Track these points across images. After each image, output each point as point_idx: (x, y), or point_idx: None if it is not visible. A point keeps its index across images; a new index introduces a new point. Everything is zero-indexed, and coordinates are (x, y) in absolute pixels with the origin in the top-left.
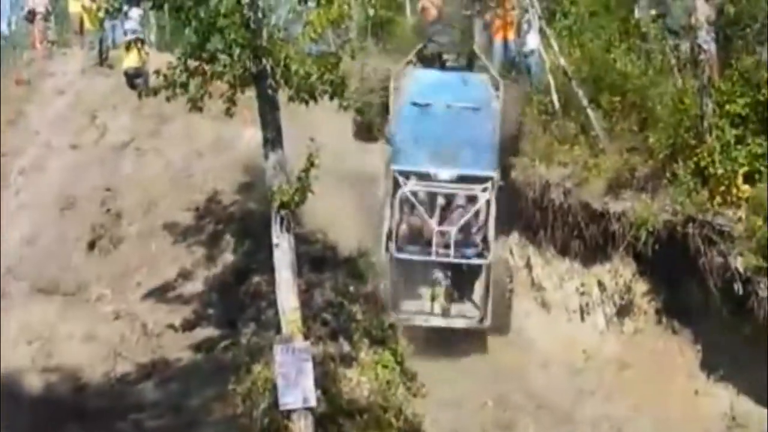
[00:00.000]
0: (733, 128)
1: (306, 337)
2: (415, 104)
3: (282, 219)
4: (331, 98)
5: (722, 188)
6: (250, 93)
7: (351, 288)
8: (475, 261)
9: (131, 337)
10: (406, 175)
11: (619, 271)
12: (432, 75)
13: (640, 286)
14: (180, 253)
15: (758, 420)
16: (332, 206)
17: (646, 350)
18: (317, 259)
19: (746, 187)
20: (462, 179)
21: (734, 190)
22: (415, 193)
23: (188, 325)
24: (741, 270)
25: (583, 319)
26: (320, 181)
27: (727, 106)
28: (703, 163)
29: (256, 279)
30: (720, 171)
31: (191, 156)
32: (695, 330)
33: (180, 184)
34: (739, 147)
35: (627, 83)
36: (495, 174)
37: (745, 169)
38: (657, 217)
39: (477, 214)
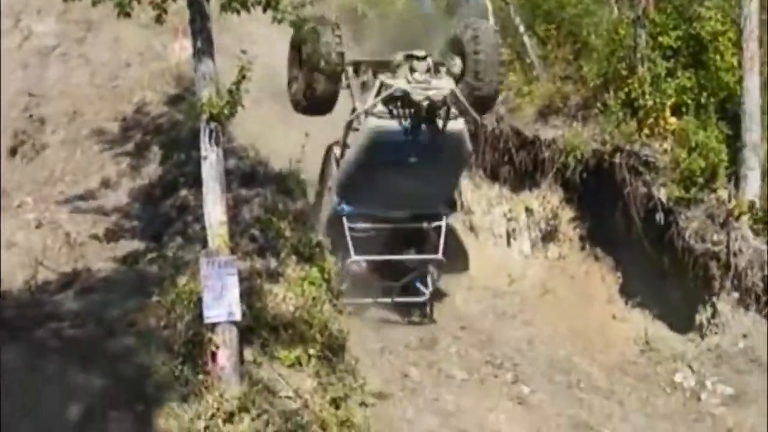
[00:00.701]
0: (664, 61)
1: (233, 252)
2: (369, 166)
3: (211, 131)
4: (264, 10)
5: (650, 120)
6: (182, 1)
7: (280, 205)
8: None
9: (53, 246)
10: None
11: (546, 198)
12: (394, 134)
13: (566, 213)
14: (105, 163)
15: (670, 345)
16: (264, 122)
17: (568, 276)
18: (247, 175)
19: (674, 119)
20: (414, 218)
21: (662, 122)
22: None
23: (112, 236)
24: (663, 200)
25: (509, 244)
26: (252, 95)
27: (660, 39)
28: (633, 95)
29: (183, 192)
30: (649, 103)
31: (119, 65)
32: (617, 257)
33: (107, 93)
34: (669, 80)
35: (563, 11)
36: (449, 210)
37: (674, 101)
38: (586, 145)
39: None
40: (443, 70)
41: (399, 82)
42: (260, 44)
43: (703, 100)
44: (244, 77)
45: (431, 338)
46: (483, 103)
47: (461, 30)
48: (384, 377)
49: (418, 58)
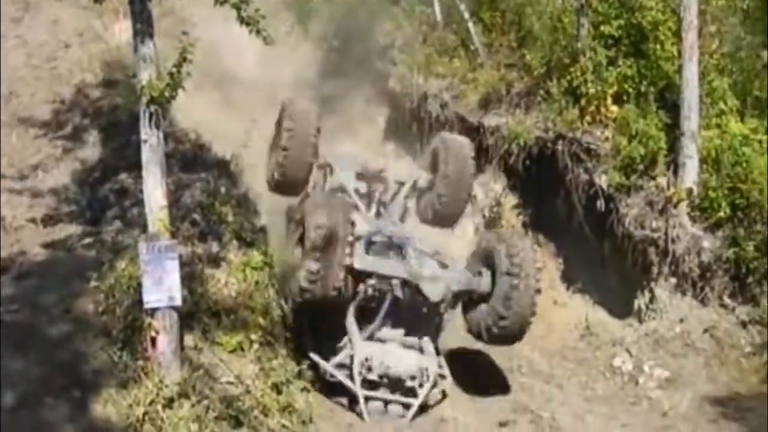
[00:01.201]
0: (605, 49)
1: (173, 236)
2: None
3: (151, 114)
4: None
5: (592, 108)
6: None
7: (222, 189)
8: None
9: None
10: None
11: (490, 185)
12: None
13: (510, 200)
14: (42, 147)
15: (609, 330)
16: (207, 106)
17: None
18: (188, 159)
19: (615, 107)
20: None
21: (603, 110)
22: None
23: (50, 221)
24: (604, 187)
25: (452, 230)
26: (195, 80)
27: (602, 27)
28: (575, 83)
29: (122, 176)
30: (591, 91)
31: (57, 46)
32: (558, 244)
33: (44, 75)
34: (610, 68)
35: None
36: None
37: (615, 89)
38: (529, 133)
39: None
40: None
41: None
42: (202, 27)
43: (643, 89)
44: (185, 59)
45: None
46: (448, 217)
47: (437, 144)
48: None
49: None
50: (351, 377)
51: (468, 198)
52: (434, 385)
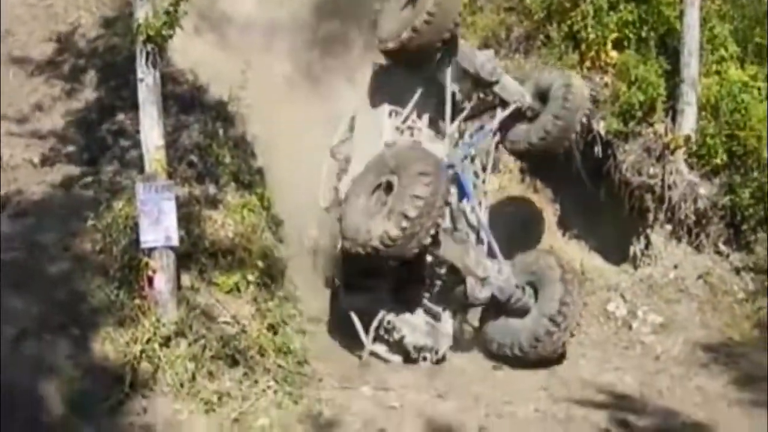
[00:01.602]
0: None
1: (171, 177)
2: None
3: (148, 54)
4: None
5: (592, 53)
6: None
7: (220, 131)
8: None
9: None
10: None
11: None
12: None
13: None
14: (38, 86)
15: (604, 275)
16: (204, 48)
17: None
18: (186, 101)
19: (614, 53)
20: None
21: (603, 56)
22: None
23: (47, 161)
24: (602, 133)
25: None
26: (193, 22)
27: None
28: (575, 27)
29: (120, 117)
30: (591, 36)
31: None
32: (555, 189)
33: (39, 13)
34: (611, 13)
35: None
36: None
37: (615, 35)
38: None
39: None
40: None
41: None
42: None
43: (644, 35)
44: None
45: None
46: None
47: (553, 78)
48: (323, 306)
49: None
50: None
51: (569, 146)
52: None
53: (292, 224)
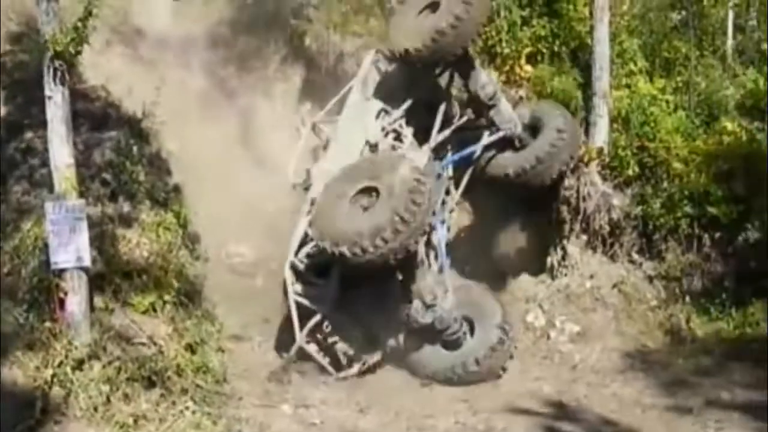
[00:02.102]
0: (519, 9)
1: (82, 196)
2: None
3: (56, 70)
4: None
5: (507, 67)
6: None
7: (134, 148)
8: None
9: None
10: None
11: None
12: None
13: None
14: None
15: (523, 287)
16: (116, 64)
17: None
18: (98, 118)
19: (529, 67)
20: None
21: (518, 70)
22: None
23: None
24: None
25: None
26: (105, 36)
27: None
28: (490, 42)
29: (28, 135)
30: (506, 50)
31: None
32: (474, 202)
33: None
34: (524, 28)
35: None
36: None
37: (529, 50)
38: None
39: None
40: None
41: None
42: None
43: (556, 49)
44: (90, 13)
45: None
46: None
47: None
48: (243, 321)
49: None
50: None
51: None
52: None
53: (210, 241)
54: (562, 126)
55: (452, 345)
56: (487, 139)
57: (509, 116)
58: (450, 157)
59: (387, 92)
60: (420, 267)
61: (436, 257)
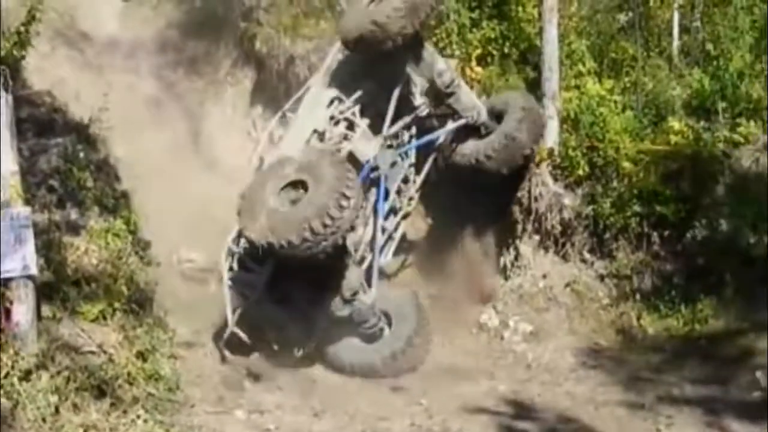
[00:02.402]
0: (469, 11)
1: (28, 204)
2: None
3: None
4: None
5: (458, 70)
6: None
7: (81, 154)
8: None
9: None
10: None
11: None
12: None
13: None
14: None
15: None
16: (63, 68)
17: None
18: (44, 124)
19: (479, 69)
20: None
21: (468, 71)
22: None
23: None
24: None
25: None
26: (50, 39)
27: None
28: (441, 44)
29: None
30: (456, 52)
31: None
32: (426, 203)
33: None
34: (474, 30)
35: None
36: None
37: (479, 51)
38: None
39: None
40: None
41: None
42: None
43: (506, 51)
44: (33, 18)
45: None
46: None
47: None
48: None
49: None
50: None
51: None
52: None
53: (161, 247)
54: (526, 105)
55: (370, 339)
56: (448, 126)
57: (472, 104)
58: (409, 145)
59: (343, 81)
60: (349, 261)
61: (371, 249)
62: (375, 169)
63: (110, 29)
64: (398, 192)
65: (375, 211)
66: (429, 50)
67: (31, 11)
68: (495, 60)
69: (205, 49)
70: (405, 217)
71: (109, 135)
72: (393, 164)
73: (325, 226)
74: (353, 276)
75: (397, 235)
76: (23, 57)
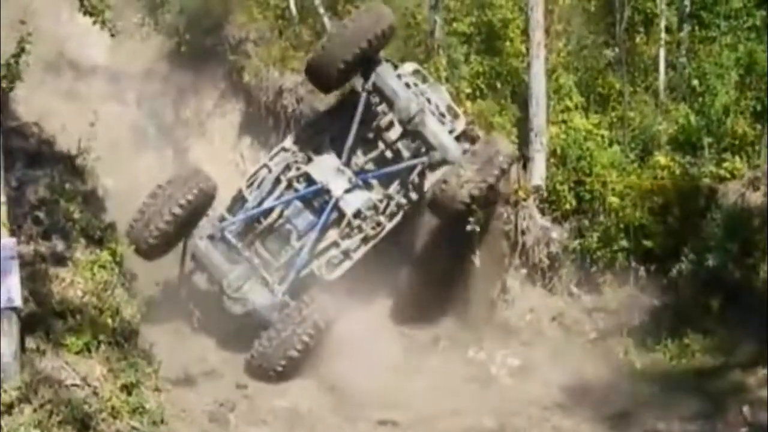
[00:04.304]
0: (460, 46)
1: (14, 235)
2: None
3: None
4: None
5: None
6: None
7: (68, 185)
8: None
9: None
10: None
11: None
12: None
13: None
14: None
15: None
16: (50, 100)
17: None
18: (32, 155)
19: (469, 103)
20: None
21: (459, 106)
22: None
23: None
24: None
25: None
26: (38, 72)
27: (455, 24)
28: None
29: None
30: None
31: None
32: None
33: None
34: (464, 65)
35: None
36: None
37: (469, 86)
38: None
39: None
40: None
41: None
42: (44, 16)
43: (498, 85)
44: (23, 50)
45: None
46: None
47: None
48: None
49: None
50: None
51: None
52: None
53: (147, 279)
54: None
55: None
56: (404, 162)
57: (437, 142)
58: (365, 174)
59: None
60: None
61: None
62: (326, 192)
63: (99, 61)
64: (361, 216)
65: (313, 227)
66: (391, 86)
67: (21, 43)
68: (485, 95)
69: (193, 80)
70: (366, 240)
71: (97, 166)
72: (348, 190)
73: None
74: (234, 274)
75: (356, 256)
76: (12, 88)
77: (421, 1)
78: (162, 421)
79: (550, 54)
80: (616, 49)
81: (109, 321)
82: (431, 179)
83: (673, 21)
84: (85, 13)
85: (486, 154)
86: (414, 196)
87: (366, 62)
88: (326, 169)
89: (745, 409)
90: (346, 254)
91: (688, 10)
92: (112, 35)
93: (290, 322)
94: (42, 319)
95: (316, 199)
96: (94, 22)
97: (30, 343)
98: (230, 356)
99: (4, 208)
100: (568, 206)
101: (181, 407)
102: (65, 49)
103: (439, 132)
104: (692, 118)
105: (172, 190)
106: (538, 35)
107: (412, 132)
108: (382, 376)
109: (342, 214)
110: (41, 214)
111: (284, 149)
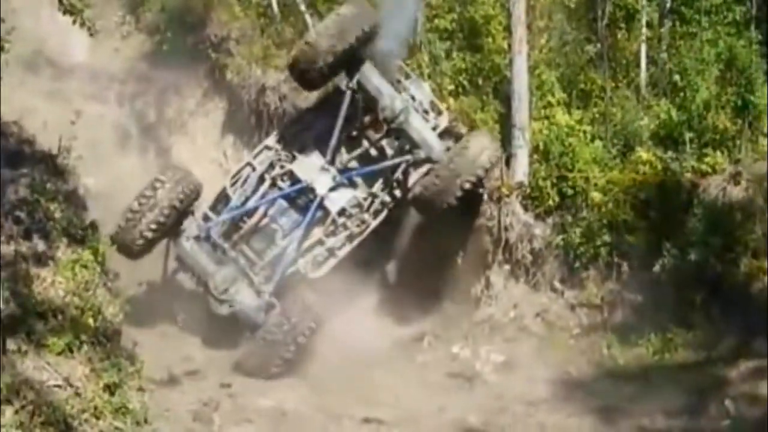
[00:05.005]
0: (442, 42)
1: None
2: None
3: None
4: None
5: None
6: None
7: (49, 185)
8: None
9: None
10: None
11: None
12: None
13: None
14: None
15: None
16: (30, 98)
17: None
18: (12, 154)
19: (451, 100)
20: None
21: (441, 102)
22: None
23: None
24: None
25: None
26: (18, 69)
27: (437, 21)
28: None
29: None
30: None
31: None
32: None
33: None
34: (446, 61)
35: None
36: None
37: (451, 83)
38: None
39: None
40: None
41: None
42: (24, 14)
43: (481, 82)
44: (2, 48)
45: None
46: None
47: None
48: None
49: None
50: None
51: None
52: None
53: (129, 278)
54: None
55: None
56: (389, 161)
57: (421, 140)
58: (350, 173)
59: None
60: (216, 263)
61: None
62: (312, 190)
63: (80, 60)
64: (346, 214)
65: (298, 225)
66: (374, 83)
67: (0, 41)
68: (467, 91)
69: (176, 79)
70: (351, 238)
71: (78, 165)
72: (332, 188)
73: (140, 204)
74: (220, 274)
75: (341, 254)
76: None
77: None
78: (145, 421)
79: (532, 50)
80: (598, 45)
81: (91, 321)
82: (415, 177)
83: (654, 17)
84: (64, 12)
85: (473, 148)
86: (398, 193)
87: (350, 60)
88: (310, 167)
89: (728, 402)
90: (331, 252)
91: (668, 5)
92: (91, 34)
93: (282, 325)
94: (23, 320)
95: (301, 197)
96: (74, 21)
97: (11, 344)
98: (215, 355)
99: None
100: (551, 202)
101: (164, 407)
102: (45, 47)
103: (423, 130)
104: (674, 113)
105: (159, 197)
106: (520, 31)
107: (396, 130)
108: (366, 373)
109: (327, 213)
110: (22, 214)
111: (268, 147)
